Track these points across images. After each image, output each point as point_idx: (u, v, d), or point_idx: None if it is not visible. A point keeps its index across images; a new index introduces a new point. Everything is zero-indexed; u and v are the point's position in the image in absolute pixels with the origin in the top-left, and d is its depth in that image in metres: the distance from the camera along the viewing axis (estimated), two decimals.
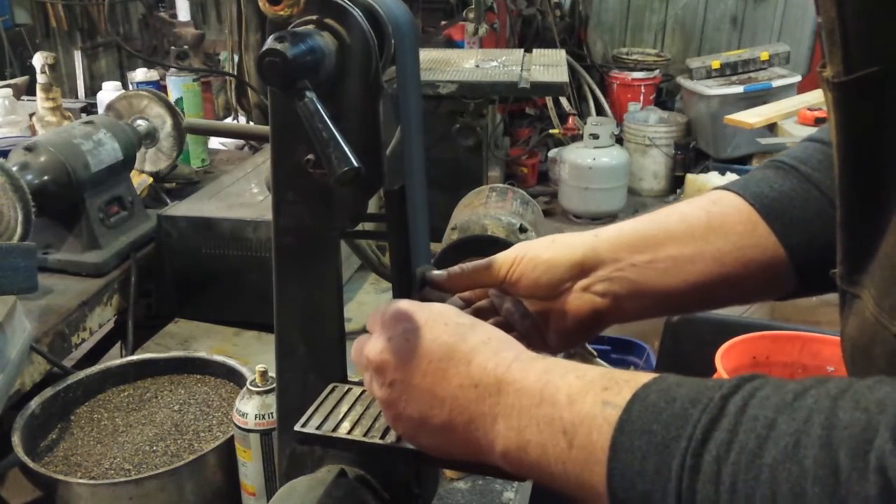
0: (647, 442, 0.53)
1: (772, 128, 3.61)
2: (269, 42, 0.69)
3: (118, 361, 1.43)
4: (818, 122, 3.32)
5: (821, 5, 0.57)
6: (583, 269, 0.83)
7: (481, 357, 0.67)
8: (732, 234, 0.81)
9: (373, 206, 0.91)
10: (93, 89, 5.59)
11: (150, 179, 2.10)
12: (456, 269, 0.87)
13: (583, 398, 0.59)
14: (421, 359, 0.69)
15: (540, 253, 0.84)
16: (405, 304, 0.74)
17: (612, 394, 0.58)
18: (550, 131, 5.96)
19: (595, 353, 1.47)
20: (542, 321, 0.86)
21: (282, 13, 0.73)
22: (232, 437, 1.16)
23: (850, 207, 0.62)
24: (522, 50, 2.74)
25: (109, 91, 2.50)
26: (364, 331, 0.79)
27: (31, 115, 2.46)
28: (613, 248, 0.82)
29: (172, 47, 2.66)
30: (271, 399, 1.10)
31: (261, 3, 0.72)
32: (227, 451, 1.17)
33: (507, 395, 0.64)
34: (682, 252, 0.81)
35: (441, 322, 0.71)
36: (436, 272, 0.87)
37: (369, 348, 0.73)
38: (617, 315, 0.85)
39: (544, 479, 0.61)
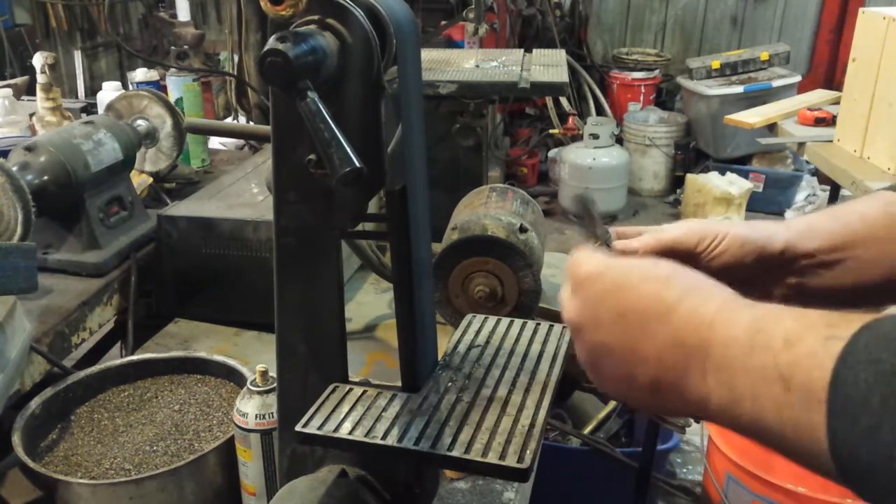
0: (873, 372, 0.48)
1: (772, 128, 3.60)
2: (271, 42, 0.69)
3: (118, 361, 1.43)
4: (818, 122, 3.32)
5: None
6: (781, 262, 0.81)
7: (683, 313, 0.63)
8: None
9: (373, 206, 0.91)
10: (93, 89, 5.60)
11: (150, 179, 2.10)
12: (649, 241, 0.83)
13: (802, 338, 0.54)
14: (618, 319, 0.66)
15: (745, 234, 0.81)
16: (597, 261, 0.70)
17: (837, 329, 0.53)
18: (550, 131, 5.96)
19: None
20: None
21: (283, 13, 0.73)
22: (232, 437, 1.16)
23: None
24: (522, 50, 2.73)
25: (109, 91, 2.51)
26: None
27: (31, 115, 2.46)
28: (808, 244, 0.80)
29: (172, 47, 2.66)
30: (272, 399, 1.10)
31: (262, 3, 0.72)
32: (227, 451, 1.17)
33: (714, 348, 0.60)
34: (863, 254, 0.80)
35: (636, 278, 0.68)
36: (621, 243, 0.84)
37: (566, 309, 0.71)
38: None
39: (761, 434, 0.58)
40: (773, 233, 0.81)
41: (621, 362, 0.67)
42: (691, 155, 5.94)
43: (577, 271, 0.71)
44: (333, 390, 0.89)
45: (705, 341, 0.61)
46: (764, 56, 5.90)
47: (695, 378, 0.61)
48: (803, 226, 0.82)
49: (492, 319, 1.04)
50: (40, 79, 2.33)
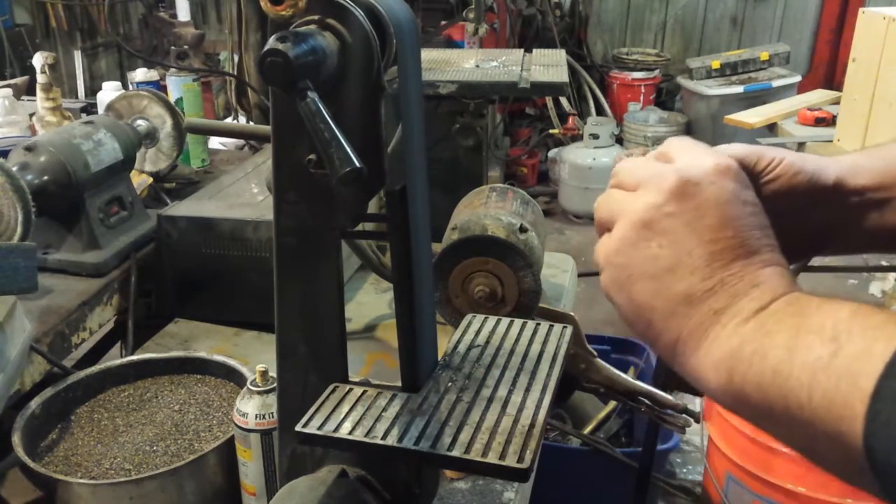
0: None
1: (772, 128, 3.60)
2: (271, 42, 0.69)
3: (118, 361, 1.43)
4: (818, 122, 3.32)
5: None
6: (831, 196, 0.78)
7: (777, 271, 0.60)
8: None
9: (373, 206, 0.91)
10: (93, 89, 5.61)
11: (150, 179, 2.10)
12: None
13: (874, 314, 0.51)
14: (721, 227, 0.60)
15: (800, 162, 0.77)
16: (725, 160, 0.63)
17: None
18: (550, 131, 5.96)
19: (595, 354, 1.47)
20: None
21: (283, 13, 0.73)
22: (232, 437, 1.16)
23: None
24: (522, 50, 2.73)
25: (109, 91, 2.51)
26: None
27: (31, 115, 2.46)
28: (857, 180, 0.78)
29: (172, 47, 2.66)
30: (271, 399, 1.10)
31: (262, 3, 0.72)
32: (227, 451, 1.17)
33: (778, 304, 0.57)
34: None
35: (751, 208, 0.62)
36: None
37: (667, 165, 0.64)
38: (835, 248, 0.81)
39: (763, 393, 0.54)
40: (824, 165, 0.77)
41: (681, 255, 0.61)
42: None
43: (700, 157, 0.64)
44: (333, 390, 0.89)
45: (779, 297, 0.58)
46: (764, 56, 5.91)
47: (736, 319, 0.58)
48: (850, 162, 0.79)
49: (492, 319, 1.04)
50: (40, 79, 2.33)
